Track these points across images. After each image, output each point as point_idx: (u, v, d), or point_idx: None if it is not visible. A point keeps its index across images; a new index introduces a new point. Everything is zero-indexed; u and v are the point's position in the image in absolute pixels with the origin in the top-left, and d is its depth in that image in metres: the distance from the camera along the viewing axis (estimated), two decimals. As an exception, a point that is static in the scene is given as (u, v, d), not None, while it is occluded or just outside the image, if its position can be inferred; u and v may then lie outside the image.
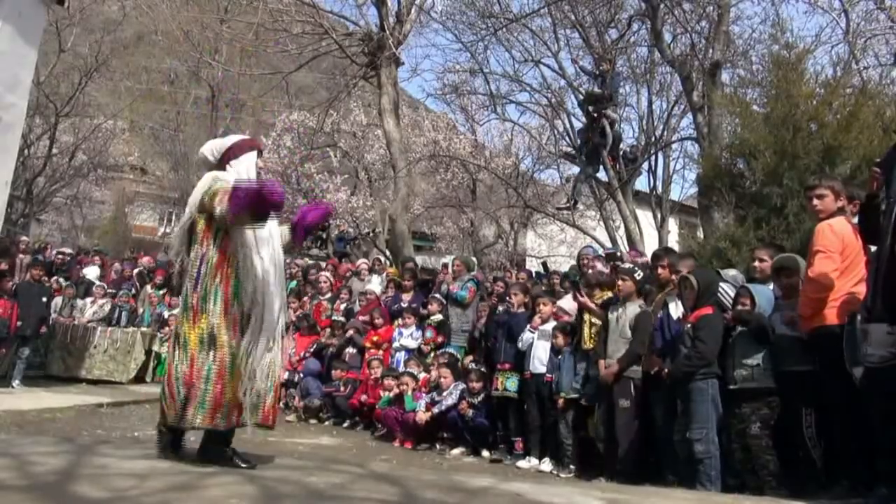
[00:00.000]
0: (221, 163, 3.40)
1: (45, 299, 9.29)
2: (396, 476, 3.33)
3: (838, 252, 3.71)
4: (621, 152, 11.68)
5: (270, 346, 3.24)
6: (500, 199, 17.98)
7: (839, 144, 6.50)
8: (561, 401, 5.52)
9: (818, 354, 3.84)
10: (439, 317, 7.29)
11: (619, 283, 5.30)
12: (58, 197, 20.78)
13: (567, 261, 15.16)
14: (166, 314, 10.07)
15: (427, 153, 16.85)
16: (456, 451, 6.24)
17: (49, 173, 19.11)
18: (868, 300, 3.23)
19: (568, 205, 12.28)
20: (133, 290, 11.07)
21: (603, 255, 7.27)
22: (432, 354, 7.12)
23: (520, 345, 6.01)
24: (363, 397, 7.26)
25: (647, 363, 4.88)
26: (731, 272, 5.34)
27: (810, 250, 3.86)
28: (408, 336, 7.48)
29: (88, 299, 10.53)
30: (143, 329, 10.06)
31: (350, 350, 7.93)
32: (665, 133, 14.79)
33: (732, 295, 4.60)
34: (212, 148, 3.47)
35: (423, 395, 6.55)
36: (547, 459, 5.70)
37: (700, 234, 9.64)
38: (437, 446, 6.41)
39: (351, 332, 7.95)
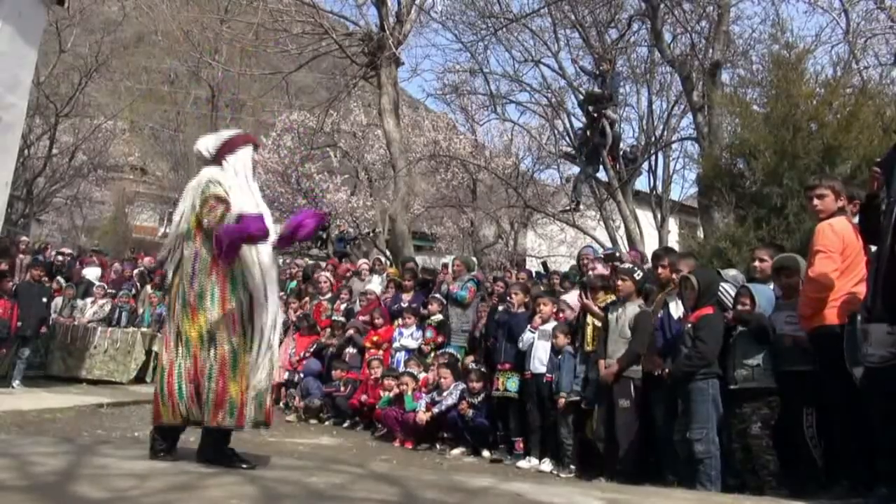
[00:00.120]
0: (217, 158, 3.36)
1: (45, 300, 9.30)
2: (396, 476, 3.33)
3: (839, 252, 3.71)
4: (621, 152, 11.69)
5: (271, 344, 3.23)
6: (500, 199, 17.97)
7: (839, 144, 6.50)
8: (561, 401, 5.52)
9: (818, 354, 3.85)
10: (439, 317, 7.29)
11: (619, 283, 5.30)
12: (58, 197, 20.80)
13: (567, 261, 15.15)
14: (166, 314, 10.07)
15: (427, 153, 16.85)
16: (456, 452, 6.24)
17: (49, 174, 19.12)
18: (868, 300, 3.23)
19: (571, 206, 12.28)
20: (133, 291, 11.08)
21: (602, 256, 7.26)
22: (432, 354, 7.12)
23: (520, 345, 6.01)
24: (363, 397, 7.26)
25: (647, 363, 4.88)
26: (732, 272, 5.35)
27: (811, 250, 3.86)
28: (408, 336, 7.48)
29: (88, 299, 10.54)
30: (144, 329, 10.07)
31: (350, 350, 7.93)
32: (665, 133, 14.78)
33: (733, 294, 4.60)
34: (206, 144, 3.43)
35: (423, 395, 6.55)
36: (547, 459, 5.69)
37: (700, 233, 9.65)
38: (438, 446, 6.41)
39: (351, 331, 7.95)
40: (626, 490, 3.79)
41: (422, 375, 6.79)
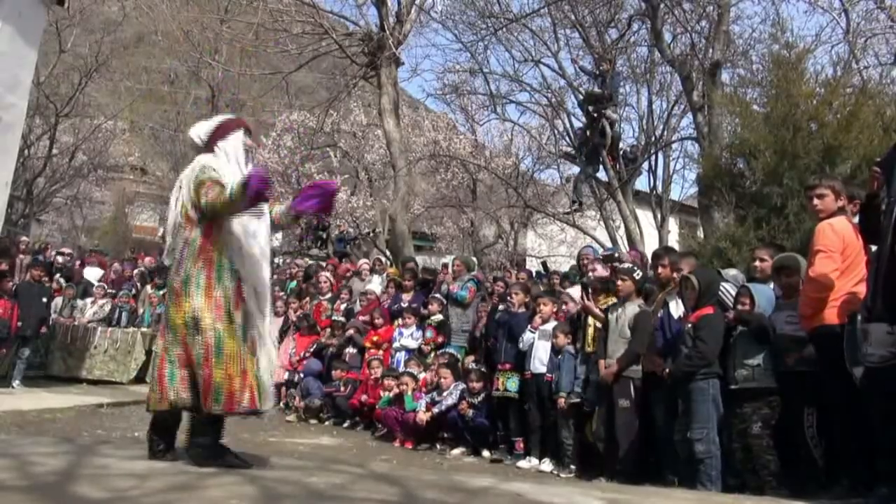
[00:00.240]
0: (209, 145, 3.36)
1: (45, 300, 9.30)
2: (397, 476, 3.33)
3: (839, 252, 3.71)
4: (621, 152, 11.69)
5: (261, 332, 3.24)
6: (500, 199, 17.97)
7: (839, 144, 6.50)
8: (561, 401, 5.52)
9: (818, 354, 3.85)
10: (439, 317, 7.29)
11: (619, 283, 5.30)
12: (58, 197, 20.79)
13: (567, 261, 15.15)
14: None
15: (427, 153, 16.84)
16: (456, 452, 6.24)
17: (49, 174, 19.12)
18: (868, 300, 3.23)
19: (574, 208, 12.29)
20: (133, 291, 11.08)
21: (601, 257, 7.25)
22: (432, 354, 7.12)
23: (520, 345, 6.01)
24: (363, 397, 7.26)
25: (648, 363, 4.88)
26: (732, 272, 5.35)
27: (811, 250, 3.86)
28: (408, 336, 7.48)
29: (88, 300, 10.54)
30: (144, 329, 10.07)
31: (350, 350, 7.93)
32: (665, 133, 14.79)
33: (734, 294, 4.60)
34: (198, 131, 3.42)
35: (423, 395, 6.55)
36: (547, 459, 5.70)
37: (700, 233, 9.65)
38: (438, 446, 6.41)
39: (351, 331, 7.95)
40: (626, 490, 3.78)
41: (422, 375, 6.79)
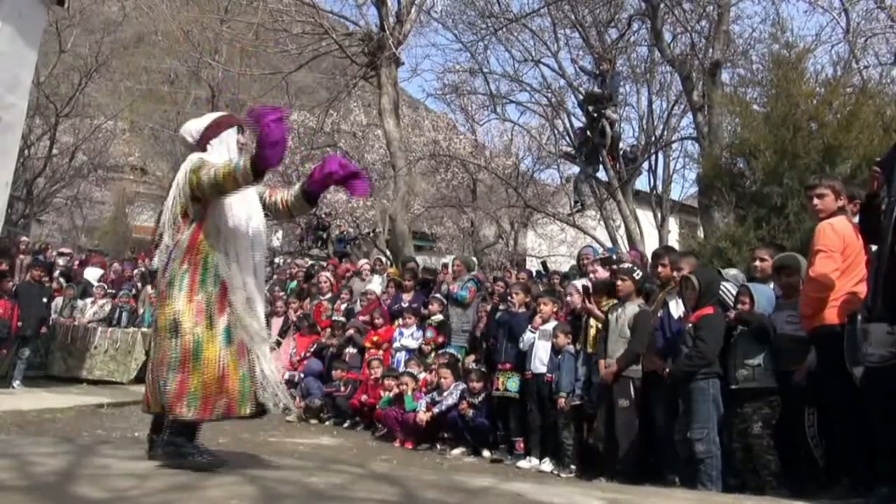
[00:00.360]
0: (201, 143, 3.28)
1: (45, 300, 9.30)
2: (397, 476, 3.33)
3: (839, 251, 3.71)
4: (621, 152, 11.69)
5: (252, 336, 3.14)
6: (500, 199, 17.97)
7: (839, 144, 6.50)
8: (561, 401, 5.52)
9: (818, 354, 3.85)
10: (440, 317, 7.29)
11: (619, 282, 5.30)
12: (58, 197, 20.77)
13: (567, 261, 15.15)
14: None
15: (427, 153, 16.85)
16: (456, 452, 6.24)
17: (49, 174, 19.11)
18: (868, 300, 3.23)
19: (577, 209, 12.29)
20: (133, 291, 11.08)
21: (599, 259, 7.20)
22: (433, 354, 7.12)
23: (521, 345, 6.01)
24: (363, 397, 7.26)
25: (647, 362, 4.88)
26: (732, 271, 5.35)
27: (811, 250, 3.86)
28: (408, 336, 7.48)
29: (88, 300, 10.54)
30: (144, 329, 10.05)
31: (350, 350, 7.93)
32: (665, 133, 14.78)
33: (734, 293, 4.60)
34: (191, 129, 3.34)
35: (423, 395, 6.55)
36: (547, 459, 5.70)
37: (700, 233, 9.65)
38: (438, 446, 6.41)
39: (351, 331, 7.95)
40: (626, 490, 3.78)
41: (422, 375, 6.79)
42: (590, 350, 5.50)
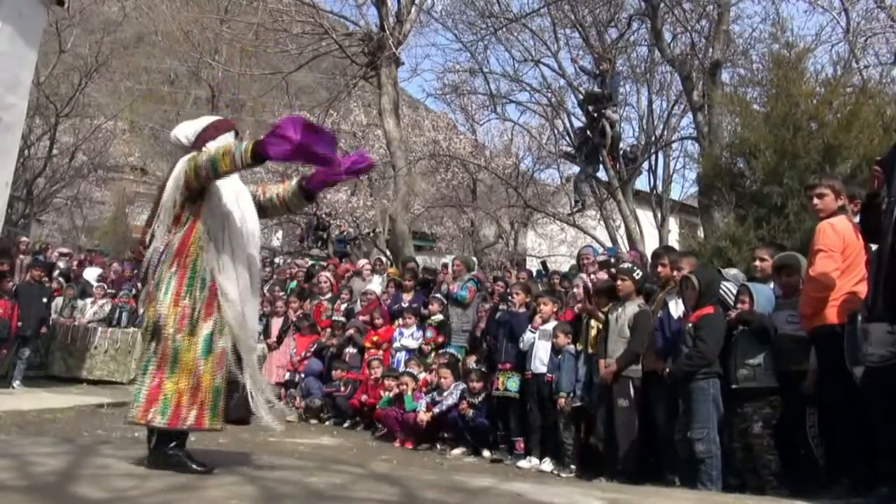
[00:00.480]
0: (196, 145, 3.19)
1: (45, 300, 9.30)
2: (397, 476, 3.33)
3: (839, 251, 3.71)
4: (621, 152, 11.70)
5: (237, 347, 3.08)
6: (500, 198, 17.98)
7: (839, 143, 6.51)
8: (561, 401, 5.51)
9: (818, 354, 3.84)
10: (440, 317, 7.29)
11: (619, 282, 5.30)
12: (58, 197, 20.78)
13: (567, 261, 15.15)
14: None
15: (427, 153, 16.85)
16: (456, 451, 6.23)
17: (49, 174, 19.11)
18: (869, 299, 3.22)
19: (577, 208, 12.29)
20: (133, 291, 11.06)
21: (597, 262, 7.15)
22: (433, 354, 7.12)
23: (521, 345, 6.01)
24: (363, 397, 7.26)
25: (647, 362, 4.88)
26: (732, 271, 5.35)
27: (811, 249, 3.86)
28: (408, 336, 7.48)
29: (88, 300, 10.54)
30: (144, 329, 10.05)
31: (350, 350, 7.93)
32: (665, 132, 14.79)
33: (735, 293, 4.60)
34: (185, 131, 3.25)
35: (423, 395, 6.55)
36: (548, 459, 5.69)
37: (700, 233, 9.65)
38: (438, 446, 6.41)
39: (351, 331, 7.95)
40: (626, 490, 3.78)
41: (422, 375, 6.78)
42: (590, 350, 5.50)
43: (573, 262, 9.52)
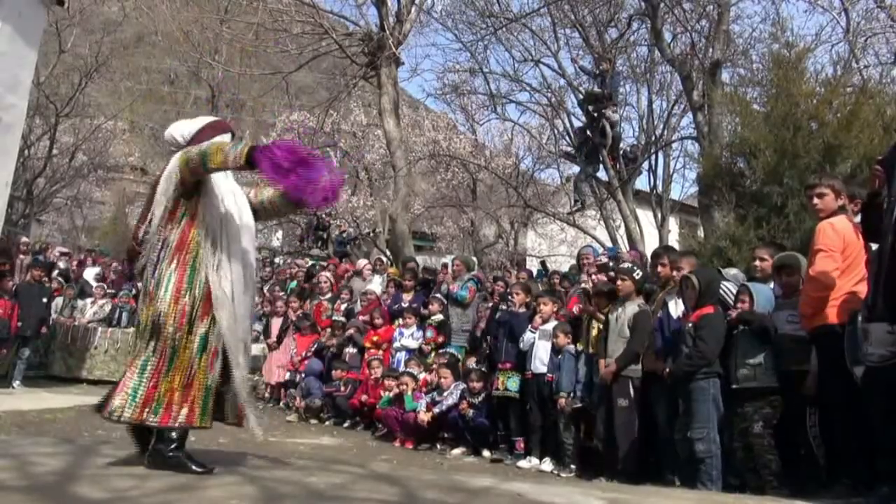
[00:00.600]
0: (190, 145, 3.15)
1: (45, 300, 9.30)
2: (397, 476, 3.33)
3: (839, 251, 3.71)
4: (621, 152, 11.69)
5: (228, 346, 3.03)
6: (500, 198, 17.97)
7: (839, 143, 6.50)
8: (562, 401, 5.51)
9: (819, 354, 3.84)
10: (440, 317, 7.29)
11: (619, 282, 5.30)
12: (58, 197, 20.78)
13: (567, 260, 15.15)
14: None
15: (427, 153, 16.85)
16: (456, 451, 6.23)
17: (49, 174, 19.12)
18: (869, 299, 3.22)
19: (576, 208, 12.29)
20: (133, 291, 11.06)
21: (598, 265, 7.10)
22: (433, 354, 7.12)
23: (521, 345, 6.01)
24: (363, 397, 7.26)
25: (647, 362, 4.88)
26: (732, 271, 5.35)
27: (811, 249, 3.86)
28: (408, 336, 7.48)
29: (88, 300, 10.54)
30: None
31: (350, 350, 7.94)
32: (665, 132, 14.77)
33: (735, 293, 4.60)
34: (181, 130, 3.24)
35: (423, 395, 6.55)
36: (547, 459, 5.69)
37: (700, 233, 9.64)
38: (438, 446, 6.41)
39: (351, 331, 7.95)
40: (626, 490, 3.78)
41: (422, 375, 6.78)
42: (591, 351, 5.50)
43: (573, 262, 9.53)
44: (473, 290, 7.32)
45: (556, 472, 5.52)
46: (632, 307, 5.11)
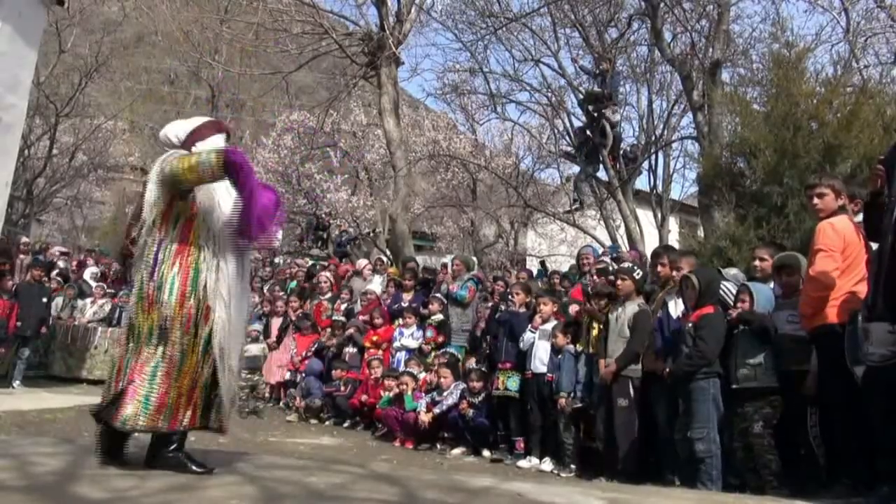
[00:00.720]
0: (185, 145, 3.17)
1: (45, 300, 9.30)
2: (397, 476, 3.32)
3: (839, 251, 3.70)
4: (621, 151, 11.70)
5: (223, 347, 3.00)
6: (500, 198, 17.96)
7: (839, 143, 6.50)
8: (562, 401, 5.51)
9: (819, 353, 3.84)
10: (440, 316, 7.29)
11: (619, 282, 5.30)
12: (58, 197, 20.80)
13: (567, 260, 15.14)
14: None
15: (427, 153, 16.84)
16: (456, 451, 6.23)
17: (49, 174, 19.13)
18: (869, 299, 3.22)
19: (575, 207, 12.29)
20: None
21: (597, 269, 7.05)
22: (433, 354, 7.12)
23: (521, 345, 6.01)
24: (363, 397, 7.27)
25: (647, 362, 4.88)
26: (732, 271, 5.35)
27: (811, 249, 3.86)
28: (408, 336, 7.48)
29: (88, 300, 10.54)
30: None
31: (350, 350, 7.94)
32: (665, 132, 14.75)
33: (735, 293, 4.60)
34: (176, 130, 3.22)
35: (423, 395, 6.55)
36: (548, 459, 5.69)
37: (700, 233, 9.64)
38: (438, 446, 6.41)
39: (351, 330, 7.95)
40: (626, 490, 3.78)
41: (422, 375, 6.78)
42: (591, 351, 5.50)
43: (573, 262, 9.53)
44: (473, 290, 7.32)
45: (556, 472, 5.52)
46: (632, 307, 5.11)
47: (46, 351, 9.93)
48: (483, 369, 6.34)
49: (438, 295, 7.56)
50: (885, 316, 3.11)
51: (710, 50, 10.00)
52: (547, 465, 5.64)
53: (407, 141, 14.90)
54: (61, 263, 11.77)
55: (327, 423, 7.67)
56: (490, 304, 7.19)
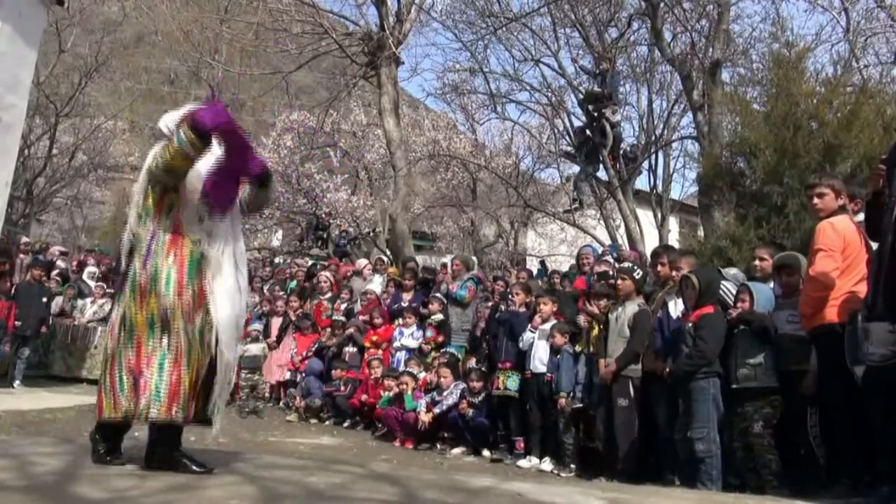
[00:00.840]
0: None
1: (45, 299, 9.30)
2: (397, 476, 3.32)
3: (839, 251, 3.70)
4: (621, 151, 11.70)
5: (219, 339, 2.97)
6: (500, 198, 17.97)
7: (840, 143, 6.50)
8: (562, 401, 5.52)
9: (819, 353, 3.84)
10: (440, 316, 7.29)
11: (619, 282, 5.30)
12: (58, 197, 20.82)
13: (567, 260, 15.15)
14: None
15: (427, 153, 16.85)
16: (456, 451, 6.23)
17: (49, 174, 19.15)
18: (869, 299, 3.22)
19: (574, 206, 12.29)
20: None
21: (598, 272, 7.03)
22: (433, 354, 7.12)
23: (521, 344, 6.01)
24: (363, 397, 7.26)
25: (647, 361, 4.88)
26: (732, 271, 5.35)
27: (811, 249, 3.86)
28: (408, 336, 7.48)
29: (88, 299, 10.54)
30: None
31: (350, 350, 7.94)
32: (665, 132, 14.77)
33: (734, 293, 4.60)
34: (166, 121, 3.21)
35: (423, 395, 6.55)
36: (548, 459, 5.69)
37: (700, 232, 9.65)
38: (438, 446, 6.41)
39: (351, 330, 7.95)
40: (626, 490, 3.78)
41: (422, 375, 6.78)
42: (591, 351, 5.50)
43: (573, 261, 9.53)
44: (473, 290, 7.32)
45: (556, 471, 5.52)
46: (632, 307, 5.11)
47: (46, 351, 9.93)
48: (483, 369, 6.34)
49: (438, 295, 7.56)
50: (885, 316, 3.11)
51: (710, 50, 10.00)
52: (547, 465, 5.64)
53: (407, 141, 14.90)
54: (61, 263, 11.76)
55: (327, 422, 7.67)
56: (490, 303, 7.19)
